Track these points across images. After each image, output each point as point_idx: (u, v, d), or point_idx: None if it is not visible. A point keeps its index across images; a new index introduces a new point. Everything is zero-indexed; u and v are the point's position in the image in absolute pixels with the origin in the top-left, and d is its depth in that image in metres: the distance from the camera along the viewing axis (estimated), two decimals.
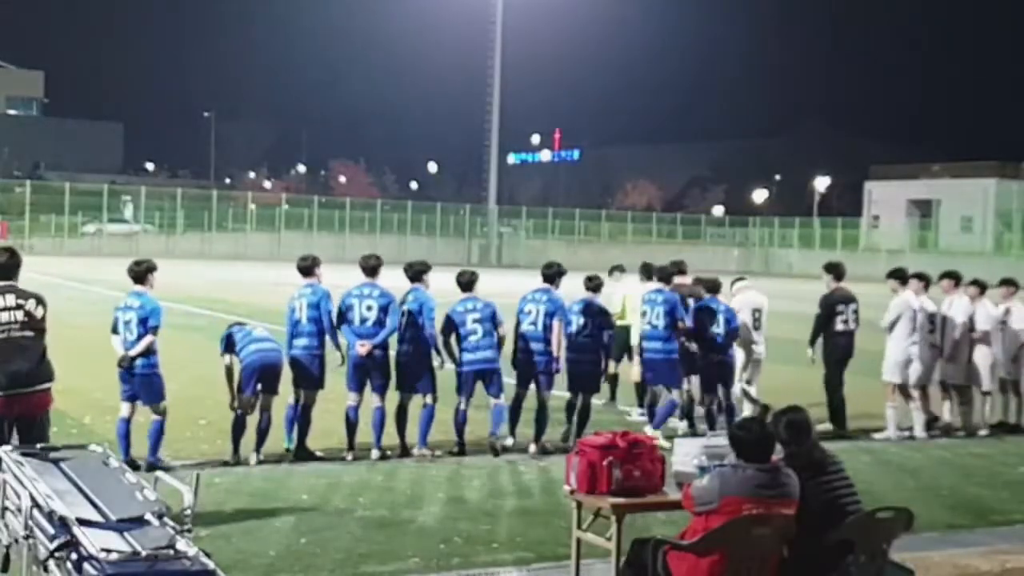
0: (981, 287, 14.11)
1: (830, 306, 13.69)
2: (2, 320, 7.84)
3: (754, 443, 6.00)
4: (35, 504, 5.60)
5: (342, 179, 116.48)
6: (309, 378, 11.31)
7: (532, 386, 12.00)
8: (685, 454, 7.00)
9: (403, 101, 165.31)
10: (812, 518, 6.05)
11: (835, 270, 14.17)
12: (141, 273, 10.83)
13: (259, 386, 10.86)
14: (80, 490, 5.78)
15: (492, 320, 11.71)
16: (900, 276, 13.91)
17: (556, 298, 12.06)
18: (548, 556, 8.05)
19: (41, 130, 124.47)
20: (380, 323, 11.38)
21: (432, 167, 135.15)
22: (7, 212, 69.01)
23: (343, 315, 11.54)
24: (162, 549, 5.17)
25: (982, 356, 13.79)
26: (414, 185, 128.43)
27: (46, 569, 5.32)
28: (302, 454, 11.11)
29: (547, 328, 11.87)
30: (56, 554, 5.24)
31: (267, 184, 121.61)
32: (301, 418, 11.25)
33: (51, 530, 5.39)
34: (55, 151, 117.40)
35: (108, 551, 5.07)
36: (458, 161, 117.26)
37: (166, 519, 5.57)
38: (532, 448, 11.77)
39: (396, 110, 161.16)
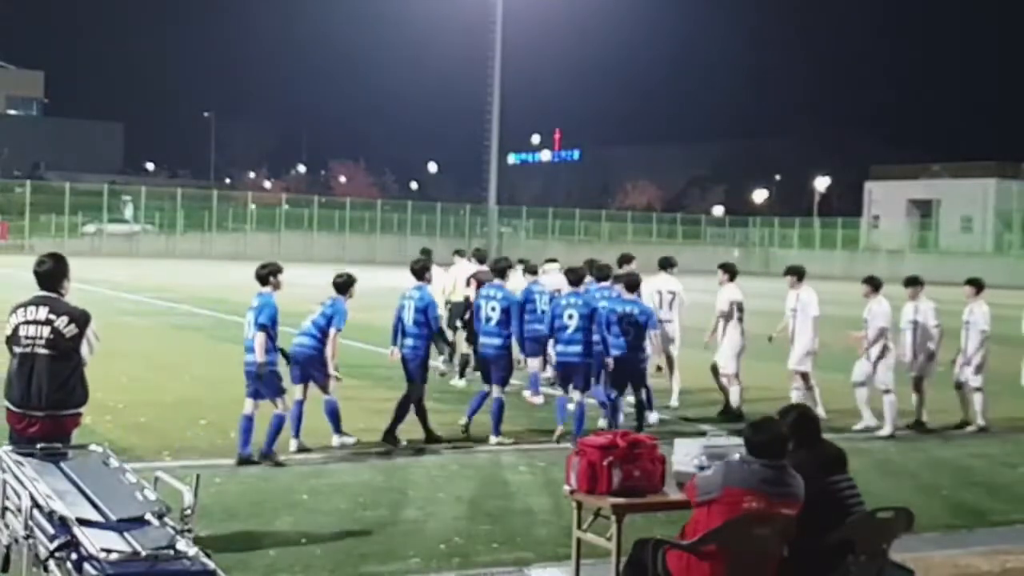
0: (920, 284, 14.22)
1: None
2: (28, 334, 7.21)
3: (766, 441, 5.99)
4: (35, 504, 5.59)
5: (342, 179, 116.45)
6: (413, 375, 12.11)
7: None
8: (685, 454, 7.00)
9: (403, 101, 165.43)
10: (817, 518, 6.04)
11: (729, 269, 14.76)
12: (264, 276, 11.28)
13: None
14: (80, 490, 5.78)
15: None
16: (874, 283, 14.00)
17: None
18: (548, 556, 8.06)
19: (41, 130, 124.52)
20: (503, 323, 12.35)
21: (432, 167, 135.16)
22: (7, 212, 69.03)
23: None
24: (162, 549, 5.18)
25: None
26: (414, 185, 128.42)
27: (46, 569, 5.32)
28: (390, 439, 11.88)
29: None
30: (56, 554, 5.24)
31: (267, 184, 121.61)
32: (401, 409, 12.03)
33: (51, 530, 5.39)
34: (55, 151, 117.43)
35: (108, 551, 5.07)
36: (458, 161, 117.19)
37: (166, 519, 5.58)
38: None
39: (396, 110, 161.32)
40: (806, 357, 13.85)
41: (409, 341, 12.19)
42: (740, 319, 14.20)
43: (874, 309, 13.61)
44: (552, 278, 15.59)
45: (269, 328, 10.93)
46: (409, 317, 12.20)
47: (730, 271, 14.60)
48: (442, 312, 15.62)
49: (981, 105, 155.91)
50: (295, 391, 11.49)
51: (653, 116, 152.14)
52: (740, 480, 5.86)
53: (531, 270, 15.82)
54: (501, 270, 13.04)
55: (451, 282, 17.18)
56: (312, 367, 11.57)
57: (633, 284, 13.14)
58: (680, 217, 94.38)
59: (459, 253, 18.32)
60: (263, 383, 10.85)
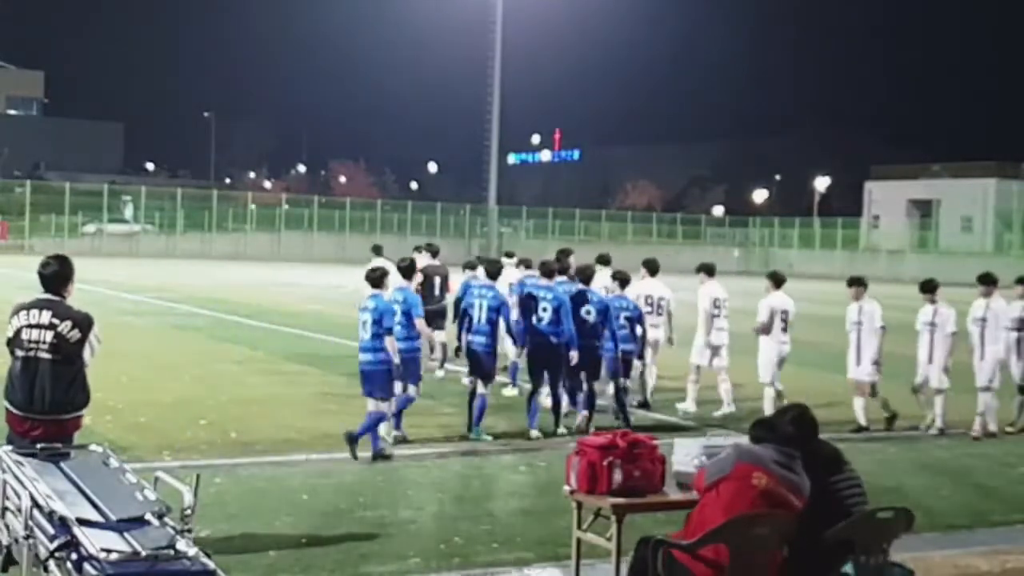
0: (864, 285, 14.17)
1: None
2: (31, 337, 7.17)
3: (788, 434, 6.09)
4: (35, 504, 5.59)
5: (342, 179, 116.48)
6: (487, 369, 12.61)
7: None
8: (685, 454, 7.01)
9: (403, 101, 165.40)
10: (817, 517, 6.05)
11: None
12: (377, 279, 11.58)
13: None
14: (80, 490, 5.78)
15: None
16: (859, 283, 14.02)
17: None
18: (548, 556, 8.05)
19: (41, 130, 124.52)
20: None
21: (432, 167, 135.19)
22: (7, 212, 69.03)
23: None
24: (162, 549, 5.18)
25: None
26: (414, 185, 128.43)
27: (46, 569, 5.32)
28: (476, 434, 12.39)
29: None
30: (56, 554, 5.24)
31: (267, 184, 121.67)
32: (480, 403, 12.47)
33: (51, 530, 5.39)
34: (55, 151, 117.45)
35: (108, 551, 5.08)
36: (458, 161, 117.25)
37: (166, 519, 5.58)
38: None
39: (396, 110, 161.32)
40: (873, 368, 13.70)
41: (481, 338, 12.58)
42: (784, 328, 14.04)
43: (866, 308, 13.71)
44: (511, 273, 16.30)
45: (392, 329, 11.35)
46: (482, 316, 12.56)
47: (776, 280, 14.40)
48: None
49: (981, 105, 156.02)
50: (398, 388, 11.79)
51: (653, 116, 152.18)
52: (751, 457, 5.96)
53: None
54: (493, 272, 13.07)
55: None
56: (412, 367, 11.93)
57: (587, 278, 13.44)
58: (680, 217, 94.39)
59: (417, 249, 18.67)
60: (376, 382, 11.22)
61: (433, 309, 16.77)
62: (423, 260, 17.68)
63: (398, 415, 11.98)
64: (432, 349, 16.94)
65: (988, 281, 14.18)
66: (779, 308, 14.04)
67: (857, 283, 14.03)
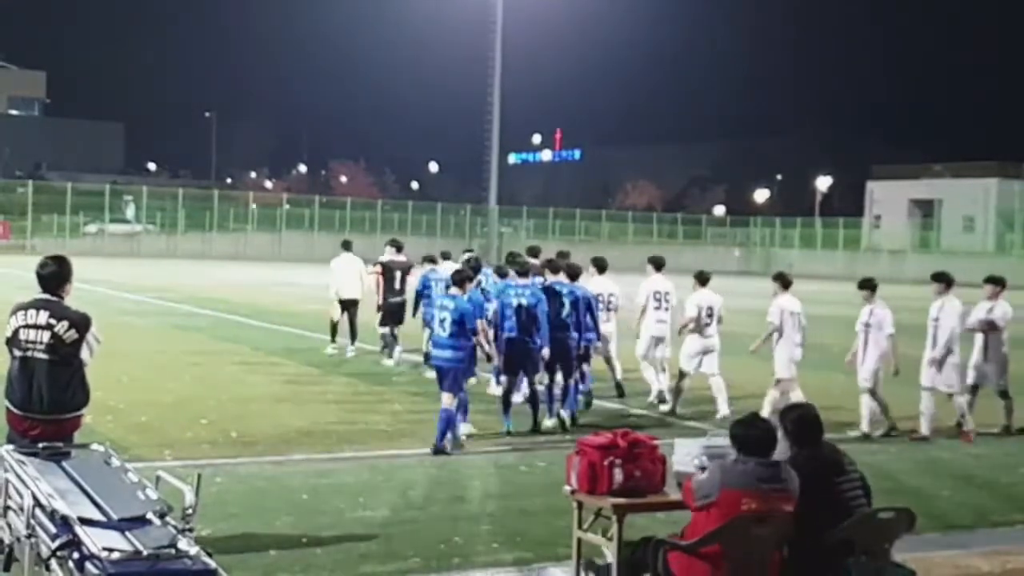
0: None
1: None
2: (28, 338, 7.17)
3: (755, 439, 6.02)
4: (37, 503, 5.60)
5: (343, 179, 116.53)
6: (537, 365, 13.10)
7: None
8: (685, 454, 7.00)
9: (404, 101, 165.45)
10: (817, 518, 6.05)
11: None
12: (461, 280, 12.15)
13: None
14: (82, 489, 5.79)
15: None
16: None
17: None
18: (549, 556, 8.06)
19: (43, 130, 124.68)
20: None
21: (433, 167, 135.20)
22: (9, 212, 69.15)
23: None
24: (164, 548, 5.19)
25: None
26: (415, 185, 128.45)
27: (48, 568, 5.33)
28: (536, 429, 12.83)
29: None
30: (58, 553, 5.25)
31: (268, 184, 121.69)
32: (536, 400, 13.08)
33: (53, 529, 5.40)
34: (57, 151, 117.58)
35: (110, 550, 5.08)
36: (459, 161, 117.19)
37: (168, 518, 5.58)
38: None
39: (397, 110, 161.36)
40: (874, 375, 13.51)
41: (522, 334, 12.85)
42: (796, 327, 13.96)
43: (877, 312, 13.63)
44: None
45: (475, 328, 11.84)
46: (522, 315, 12.82)
47: (782, 281, 14.27)
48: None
49: (982, 105, 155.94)
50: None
51: (654, 116, 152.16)
52: (736, 481, 5.87)
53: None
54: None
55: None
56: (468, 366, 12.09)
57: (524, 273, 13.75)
58: (681, 217, 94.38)
59: (391, 243, 19.72)
60: (450, 379, 11.69)
61: (394, 302, 18.46)
62: (388, 255, 18.96)
63: (463, 413, 12.21)
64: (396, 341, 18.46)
65: (995, 281, 14.13)
66: (789, 310, 13.99)
67: (865, 286, 13.97)
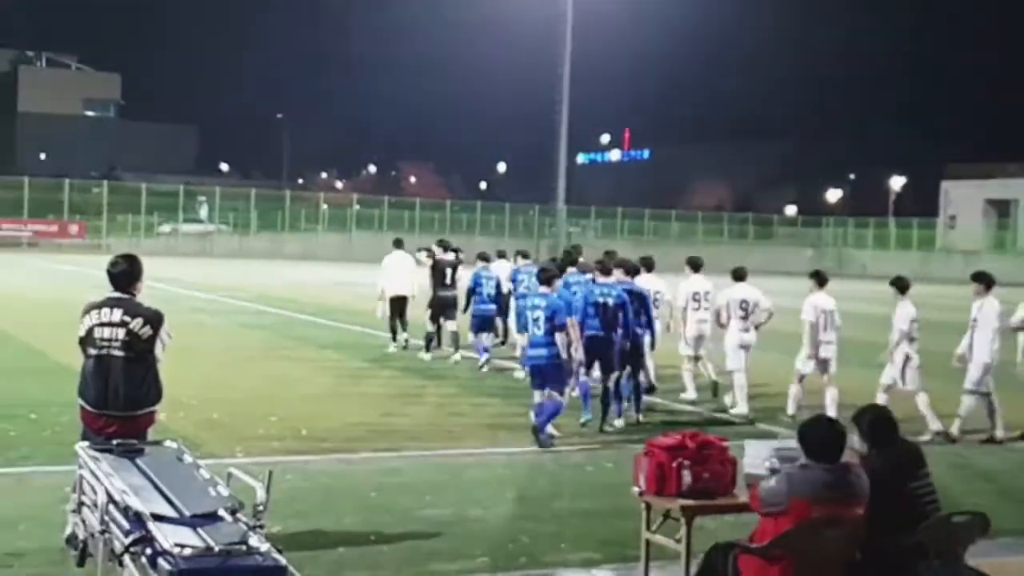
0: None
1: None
2: (103, 336, 7.24)
3: (822, 443, 5.94)
4: (111, 499, 5.69)
5: (412, 179, 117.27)
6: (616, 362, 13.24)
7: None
8: (756, 456, 6.93)
9: (472, 102, 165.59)
10: (891, 520, 5.96)
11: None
12: (548, 279, 12.33)
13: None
14: (155, 486, 5.86)
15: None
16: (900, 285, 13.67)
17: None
18: (616, 557, 8.02)
19: (117, 132, 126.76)
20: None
21: (501, 167, 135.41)
22: (85, 212, 70.30)
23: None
24: (235, 544, 5.24)
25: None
26: (483, 185, 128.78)
27: (121, 564, 5.40)
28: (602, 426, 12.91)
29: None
30: (131, 549, 5.32)
31: (338, 185, 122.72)
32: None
33: (126, 525, 5.47)
34: (131, 152, 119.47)
35: (182, 546, 5.14)
36: (527, 161, 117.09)
37: (239, 515, 5.64)
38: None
39: (465, 111, 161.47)
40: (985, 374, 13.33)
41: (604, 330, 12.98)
42: (825, 327, 13.82)
43: (898, 312, 13.41)
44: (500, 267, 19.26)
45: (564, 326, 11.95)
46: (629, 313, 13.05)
47: (818, 279, 14.12)
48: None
49: None
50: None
51: (724, 115, 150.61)
52: (804, 490, 5.79)
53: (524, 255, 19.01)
54: (548, 279, 12.52)
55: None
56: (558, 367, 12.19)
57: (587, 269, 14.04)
58: (751, 217, 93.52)
59: (439, 243, 20.08)
60: (549, 376, 11.90)
61: (444, 296, 18.73)
62: (438, 254, 19.35)
63: (547, 419, 12.03)
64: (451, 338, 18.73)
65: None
66: (823, 308, 13.88)
67: (977, 279, 13.64)
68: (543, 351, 11.97)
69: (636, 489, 6.98)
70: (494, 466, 11.04)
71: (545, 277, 12.41)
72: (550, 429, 12.07)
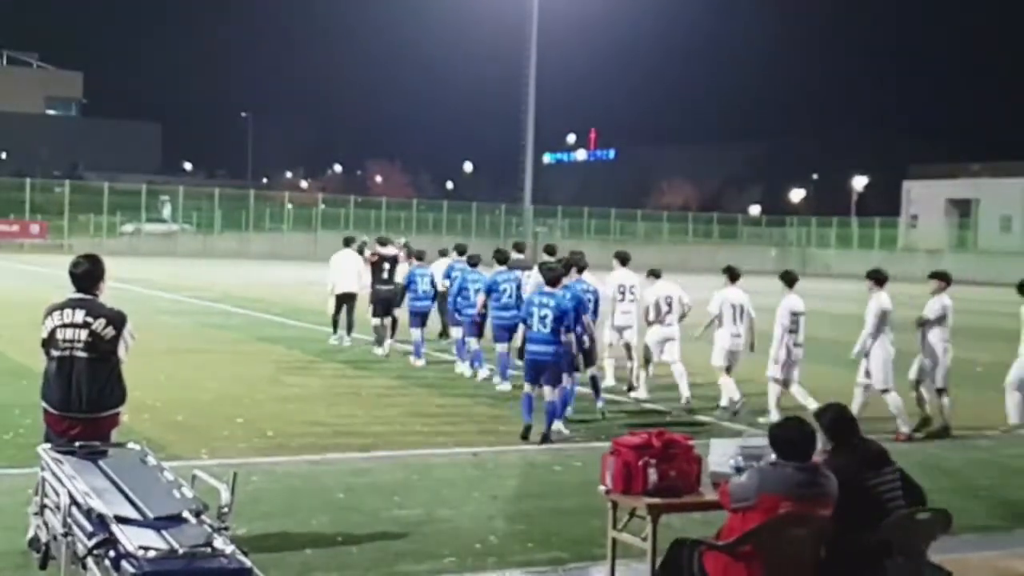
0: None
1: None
2: (66, 337, 7.18)
3: (794, 442, 5.98)
4: (74, 502, 5.64)
5: (378, 179, 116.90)
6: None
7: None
8: (722, 454, 6.97)
9: (439, 101, 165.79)
10: (855, 519, 6.00)
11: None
12: (555, 279, 12.55)
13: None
14: (118, 488, 5.82)
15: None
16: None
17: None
18: (584, 556, 8.04)
19: (80, 130, 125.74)
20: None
21: (468, 167, 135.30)
22: (46, 212, 69.64)
23: None
24: (199, 547, 5.20)
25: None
26: (450, 185, 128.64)
27: (84, 566, 5.36)
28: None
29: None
30: (95, 551, 5.28)
31: (304, 184, 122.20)
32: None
33: (90, 528, 5.43)
34: (93, 151, 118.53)
35: (146, 549, 5.10)
36: (494, 161, 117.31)
37: (203, 517, 5.60)
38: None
39: (432, 110, 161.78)
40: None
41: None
42: (793, 329, 13.91)
43: (870, 304, 13.53)
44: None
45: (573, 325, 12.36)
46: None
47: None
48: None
49: (1021, 103, 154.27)
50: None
51: (689, 115, 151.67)
52: (774, 486, 5.84)
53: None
54: (554, 279, 12.62)
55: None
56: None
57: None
58: (716, 216, 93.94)
59: (377, 241, 20.79)
60: (547, 372, 12.12)
61: (383, 290, 19.54)
62: (390, 250, 20.25)
63: (562, 407, 12.53)
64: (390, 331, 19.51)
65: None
66: (791, 309, 13.97)
67: (935, 277, 14.01)
68: (547, 348, 12.21)
69: (603, 488, 6.99)
70: (463, 466, 11.03)
71: (551, 277, 12.59)
72: (558, 425, 12.39)
